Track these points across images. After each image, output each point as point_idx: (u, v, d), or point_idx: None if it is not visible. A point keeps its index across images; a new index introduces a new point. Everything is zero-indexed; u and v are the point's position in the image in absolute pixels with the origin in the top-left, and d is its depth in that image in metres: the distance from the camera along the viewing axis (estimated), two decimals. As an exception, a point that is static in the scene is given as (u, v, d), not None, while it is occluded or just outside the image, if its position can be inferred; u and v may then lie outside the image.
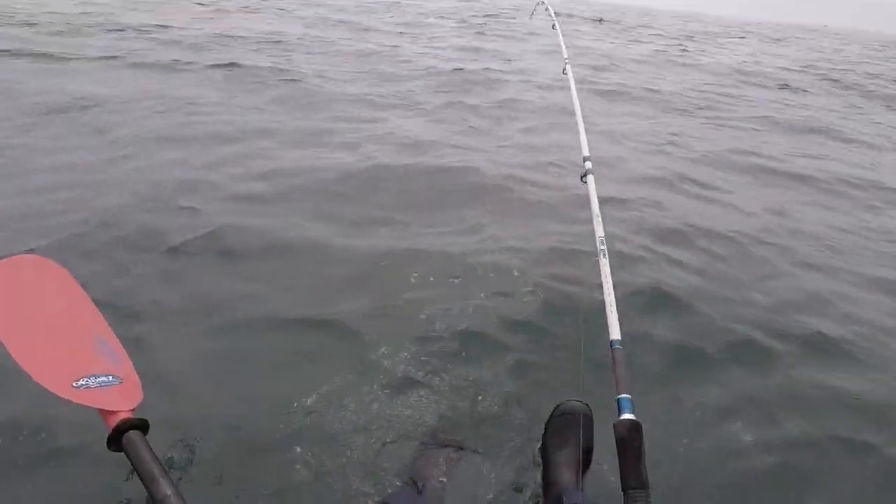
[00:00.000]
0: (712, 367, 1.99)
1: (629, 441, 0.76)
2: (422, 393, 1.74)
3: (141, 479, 1.03)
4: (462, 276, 2.37)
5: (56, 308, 1.38)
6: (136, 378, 1.27)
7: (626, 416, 0.81)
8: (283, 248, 2.53)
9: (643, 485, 0.70)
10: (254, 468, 1.45)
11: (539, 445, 1.45)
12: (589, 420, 1.38)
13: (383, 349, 1.90)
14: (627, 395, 0.83)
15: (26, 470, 1.44)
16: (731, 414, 1.80)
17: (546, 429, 1.43)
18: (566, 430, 1.39)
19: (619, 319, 0.94)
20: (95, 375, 1.22)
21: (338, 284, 2.28)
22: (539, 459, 1.44)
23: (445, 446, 1.55)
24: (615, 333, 0.90)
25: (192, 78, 5.45)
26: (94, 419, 1.18)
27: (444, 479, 1.47)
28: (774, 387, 1.97)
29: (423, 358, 1.89)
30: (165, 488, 0.99)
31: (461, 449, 1.55)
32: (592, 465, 1.36)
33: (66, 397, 1.14)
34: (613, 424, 0.78)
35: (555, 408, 1.43)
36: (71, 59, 5.75)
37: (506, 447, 1.59)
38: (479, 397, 1.75)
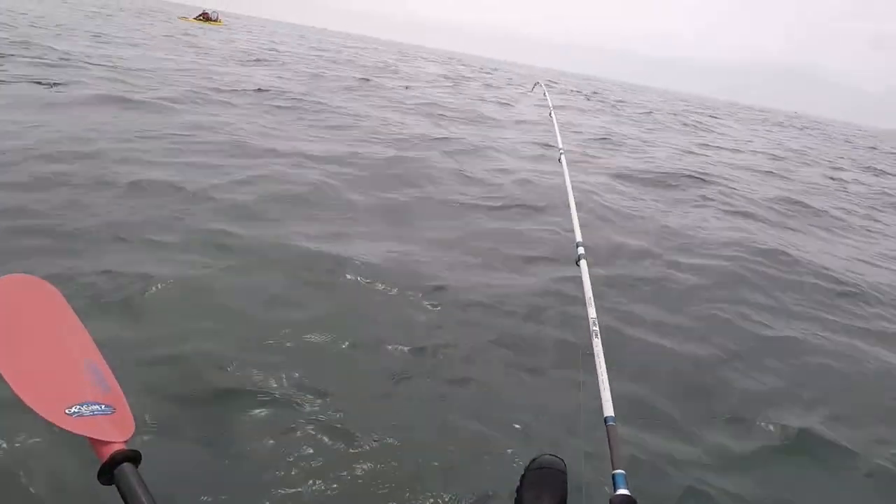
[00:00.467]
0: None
1: None
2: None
3: None
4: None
5: (47, 330, 1.32)
6: (127, 408, 1.21)
7: (621, 491, 0.84)
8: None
9: None
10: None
11: (515, 498, 1.43)
12: (563, 475, 1.39)
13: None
14: (622, 471, 0.87)
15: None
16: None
17: (521, 481, 1.43)
18: (542, 483, 1.41)
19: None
20: (88, 403, 1.17)
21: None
22: None
23: None
24: (609, 410, 0.95)
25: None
26: (82, 449, 1.10)
27: None
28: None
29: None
30: None
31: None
32: None
33: (60, 425, 1.09)
34: (609, 500, 0.81)
35: (530, 461, 1.46)
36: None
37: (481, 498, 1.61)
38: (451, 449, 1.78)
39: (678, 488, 1.82)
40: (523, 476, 1.46)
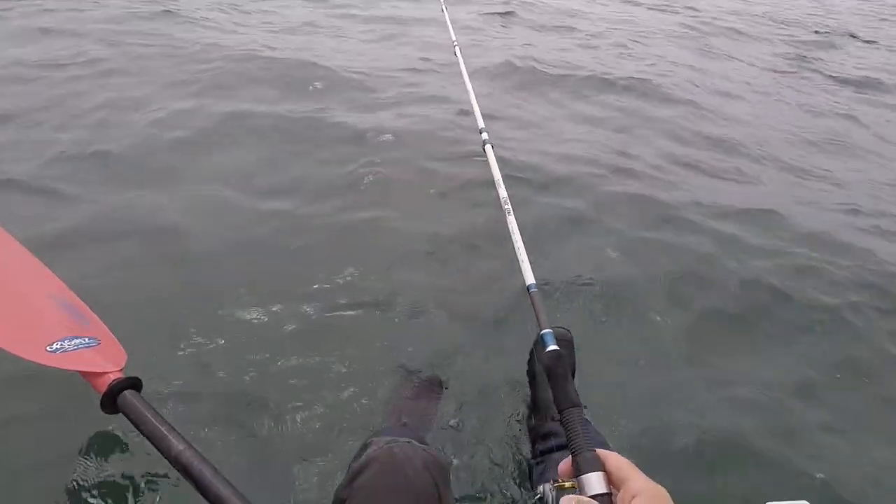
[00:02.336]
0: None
1: (555, 369, 0.83)
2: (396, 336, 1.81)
3: (148, 439, 0.98)
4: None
5: (8, 274, 1.24)
6: (113, 338, 1.20)
7: (551, 347, 0.88)
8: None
9: (574, 403, 0.76)
10: (247, 415, 1.47)
11: (527, 369, 1.58)
12: (571, 343, 1.54)
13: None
14: (549, 330, 0.91)
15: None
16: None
17: (531, 354, 1.57)
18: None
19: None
20: (69, 338, 1.13)
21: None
22: (527, 384, 1.58)
23: (425, 382, 1.63)
24: (529, 279, 0.98)
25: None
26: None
27: (430, 410, 1.52)
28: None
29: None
30: (178, 443, 0.96)
31: (441, 384, 1.64)
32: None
33: (45, 363, 1.06)
34: (538, 357, 0.85)
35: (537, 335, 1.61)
36: None
37: (489, 376, 1.70)
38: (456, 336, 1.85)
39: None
40: (532, 350, 1.56)
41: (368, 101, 3.79)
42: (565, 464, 0.67)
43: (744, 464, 1.57)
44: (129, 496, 1.22)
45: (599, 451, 0.65)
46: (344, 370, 1.65)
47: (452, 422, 1.53)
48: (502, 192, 1.24)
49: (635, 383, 1.78)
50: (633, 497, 0.55)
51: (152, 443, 0.98)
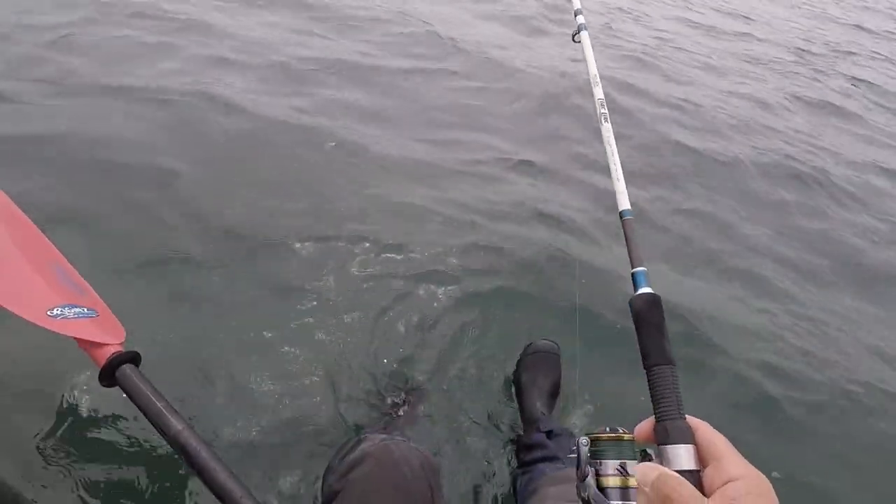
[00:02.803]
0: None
1: (648, 316, 0.68)
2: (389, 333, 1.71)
3: (146, 415, 0.97)
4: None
5: (8, 236, 1.22)
6: (110, 312, 1.18)
7: (643, 290, 0.72)
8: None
9: (669, 360, 0.61)
10: (236, 410, 1.40)
11: (513, 379, 1.60)
12: (557, 357, 1.58)
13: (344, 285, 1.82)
14: (642, 268, 0.74)
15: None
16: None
17: (518, 366, 1.60)
18: (537, 365, 1.56)
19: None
20: (70, 305, 1.11)
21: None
22: (513, 393, 1.58)
23: (413, 388, 1.58)
24: (624, 203, 0.80)
25: None
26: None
27: (415, 416, 1.49)
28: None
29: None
30: (176, 422, 0.95)
31: (425, 391, 1.58)
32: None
33: (45, 326, 1.04)
34: (629, 301, 0.70)
35: (526, 346, 1.61)
36: None
37: (480, 382, 1.65)
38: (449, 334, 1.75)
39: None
40: (519, 361, 1.60)
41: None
42: (644, 428, 0.55)
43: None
44: (124, 473, 1.19)
45: (690, 418, 0.53)
46: (343, 364, 1.57)
47: (437, 428, 1.48)
48: (598, 92, 1.02)
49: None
50: (728, 482, 0.45)
51: (150, 420, 0.96)
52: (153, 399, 0.98)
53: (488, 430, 1.52)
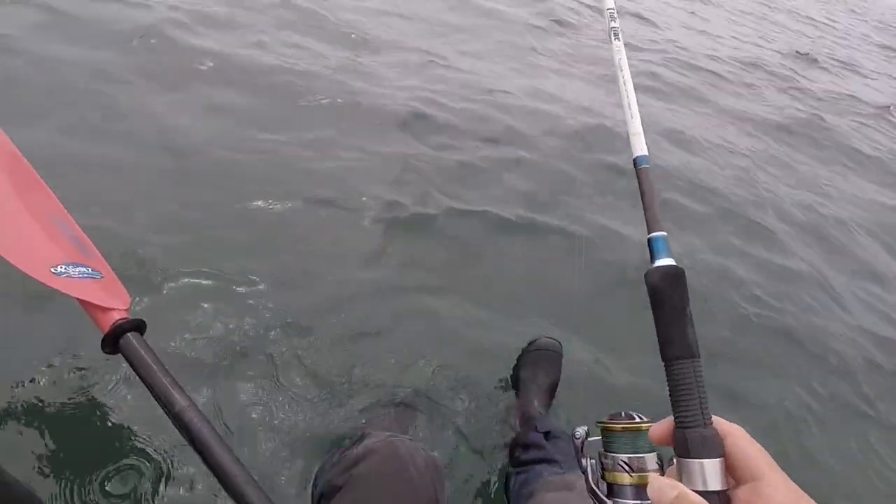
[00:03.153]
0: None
1: (669, 294, 0.54)
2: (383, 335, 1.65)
3: (149, 388, 0.92)
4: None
5: (12, 184, 1.13)
6: (114, 275, 1.11)
7: (663, 261, 0.57)
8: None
9: (692, 353, 0.48)
10: (242, 398, 1.36)
11: (511, 376, 1.56)
12: (559, 356, 1.54)
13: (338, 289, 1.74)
14: (662, 233, 0.59)
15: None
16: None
17: (518, 361, 1.55)
18: (538, 362, 1.52)
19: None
20: (74, 264, 1.03)
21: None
22: (511, 389, 1.54)
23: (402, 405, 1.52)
24: (640, 147, 0.62)
25: None
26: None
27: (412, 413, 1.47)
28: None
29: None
30: (181, 399, 0.90)
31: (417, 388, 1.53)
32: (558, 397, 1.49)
33: (49, 283, 0.98)
34: (645, 274, 0.54)
35: (528, 343, 1.57)
36: None
37: (478, 377, 1.60)
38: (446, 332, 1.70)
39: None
40: (520, 356, 1.55)
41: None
42: (661, 431, 0.46)
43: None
44: (123, 446, 1.15)
45: (720, 422, 0.44)
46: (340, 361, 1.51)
47: (436, 425, 1.45)
48: (608, 1, 0.82)
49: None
50: None
51: (153, 393, 0.90)
52: (157, 372, 0.92)
53: (483, 426, 1.49)
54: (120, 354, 0.97)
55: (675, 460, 0.45)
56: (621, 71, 0.66)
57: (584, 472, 0.51)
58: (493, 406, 1.54)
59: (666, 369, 0.49)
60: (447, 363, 1.61)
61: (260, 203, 1.92)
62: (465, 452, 1.41)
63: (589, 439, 0.53)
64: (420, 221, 2.10)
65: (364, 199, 2.08)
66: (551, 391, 1.49)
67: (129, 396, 1.23)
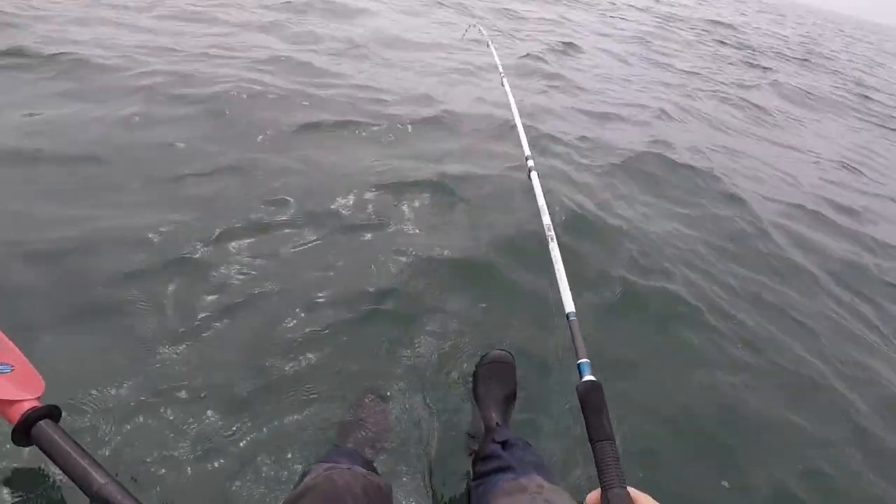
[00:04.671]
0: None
1: (591, 400, 0.81)
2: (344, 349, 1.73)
3: (65, 472, 0.91)
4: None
5: None
6: (29, 364, 1.11)
7: (587, 377, 0.86)
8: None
9: (609, 437, 0.74)
10: (175, 444, 1.35)
11: (471, 391, 1.62)
12: (511, 366, 1.61)
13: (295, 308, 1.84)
14: (586, 360, 0.89)
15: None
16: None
17: (474, 376, 1.63)
18: (491, 376, 1.57)
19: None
20: None
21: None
22: (471, 402, 1.60)
23: (372, 401, 1.59)
24: (570, 306, 0.96)
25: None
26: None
27: (377, 429, 1.49)
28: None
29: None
30: (98, 477, 0.89)
31: (382, 399, 1.60)
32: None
33: None
34: (576, 387, 0.83)
35: (481, 357, 1.65)
36: None
37: (437, 394, 1.66)
38: (408, 350, 1.79)
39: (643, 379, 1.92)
40: (475, 371, 1.64)
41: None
42: (593, 497, 0.66)
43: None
44: None
45: (632, 490, 0.64)
46: (296, 387, 1.58)
47: (397, 442, 1.50)
48: (546, 219, 1.24)
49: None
50: None
51: (70, 477, 0.91)
52: (73, 455, 0.92)
53: (446, 442, 1.52)
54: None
55: None
56: (555, 257, 1.04)
57: None
58: (454, 423, 1.57)
59: (592, 448, 0.72)
60: (404, 381, 1.65)
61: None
62: (430, 472, 1.42)
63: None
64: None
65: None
66: (508, 402, 1.53)
67: (52, 482, 1.19)
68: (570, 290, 0.99)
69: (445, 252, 2.28)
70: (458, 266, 2.21)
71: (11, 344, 1.14)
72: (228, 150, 2.75)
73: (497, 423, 1.43)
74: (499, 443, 1.29)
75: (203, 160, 2.60)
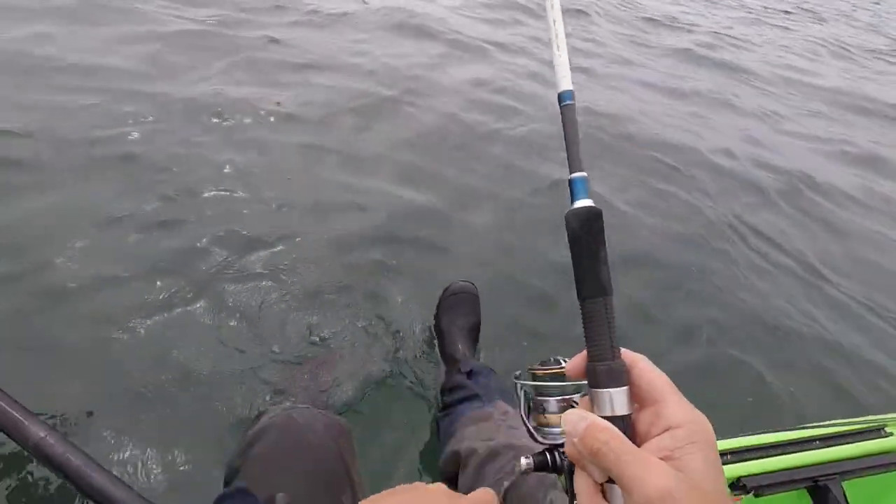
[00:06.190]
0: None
1: (585, 236, 0.49)
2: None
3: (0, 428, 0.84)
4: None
5: None
6: None
7: (582, 202, 0.53)
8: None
9: (604, 290, 0.49)
10: (127, 402, 1.29)
11: (433, 323, 1.58)
12: (476, 298, 1.57)
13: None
14: (582, 174, 0.54)
15: None
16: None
17: (438, 307, 1.58)
18: (457, 307, 1.53)
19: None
20: None
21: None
22: (434, 335, 1.57)
23: (328, 353, 1.52)
24: (565, 82, 0.58)
25: None
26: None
27: (333, 375, 1.43)
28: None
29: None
30: (37, 429, 0.82)
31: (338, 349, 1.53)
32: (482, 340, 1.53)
33: None
34: (565, 215, 0.49)
35: (444, 289, 1.59)
36: None
37: (398, 328, 1.61)
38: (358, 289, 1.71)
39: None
40: (438, 303, 1.57)
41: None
42: (576, 365, 0.48)
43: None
44: None
45: (626, 353, 0.47)
46: (238, 337, 1.50)
47: (356, 383, 1.43)
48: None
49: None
50: (669, 429, 0.40)
51: (4, 432, 0.84)
52: (6, 408, 0.85)
53: (410, 381, 1.48)
54: None
55: (588, 391, 0.48)
56: (551, 4, 0.62)
57: (522, 416, 0.56)
58: (417, 357, 1.54)
59: (581, 307, 0.49)
60: (361, 320, 1.60)
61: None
62: (397, 408, 1.41)
63: (521, 381, 0.57)
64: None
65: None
66: (474, 333, 1.50)
67: None
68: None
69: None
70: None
71: None
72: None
73: (464, 354, 1.41)
74: (464, 373, 1.28)
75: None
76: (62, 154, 1.97)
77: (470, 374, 1.28)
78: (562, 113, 0.57)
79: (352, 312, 1.63)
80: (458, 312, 1.52)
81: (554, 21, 0.65)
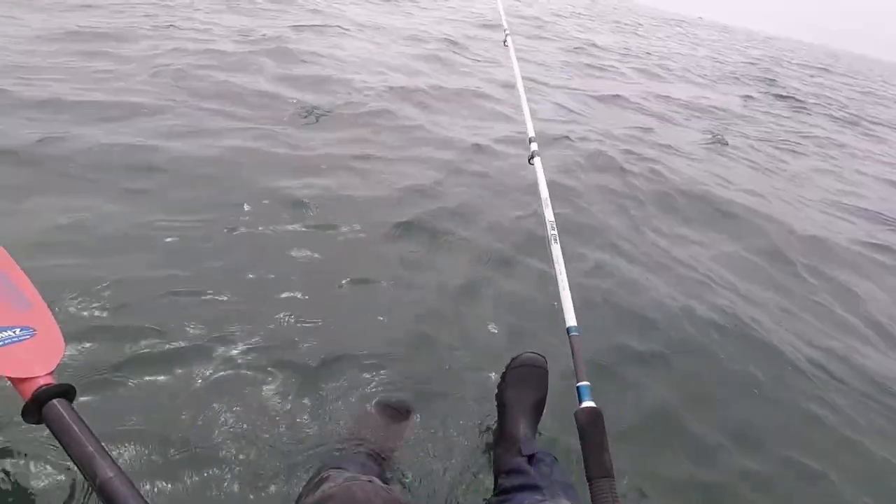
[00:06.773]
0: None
1: (590, 429, 0.75)
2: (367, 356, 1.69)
3: (72, 458, 0.86)
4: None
5: None
6: (54, 327, 1.03)
7: (587, 403, 0.79)
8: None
9: (608, 473, 0.68)
10: (187, 439, 1.34)
11: (496, 394, 1.52)
12: (545, 372, 1.48)
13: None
14: (586, 383, 0.82)
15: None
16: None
17: (503, 379, 1.50)
18: (524, 380, 1.46)
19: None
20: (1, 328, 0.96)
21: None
22: (495, 409, 1.51)
23: (390, 407, 1.55)
24: (571, 320, 0.89)
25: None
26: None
27: (392, 438, 1.44)
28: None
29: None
30: (106, 469, 0.83)
31: (408, 410, 1.55)
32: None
33: None
34: (574, 413, 0.77)
35: (512, 359, 1.51)
36: None
37: (459, 400, 1.61)
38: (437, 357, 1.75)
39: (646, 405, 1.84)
40: (504, 374, 1.50)
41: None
42: None
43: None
44: None
45: None
46: (302, 382, 1.56)
47: (415, 449, 1.44)
48: (549, 214, 1.14)
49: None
50: None
51: (76, 464, 0.85)
52: (83, 440, 0.86)
53: (467, 452, 1.47)
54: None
55: None
56: (558, 265, 0.95)
57: None
58: (478, 430, 1.51)
59: (589, 486, 0.66)
60: (427, 387, 1.61)
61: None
62: (447, 483, 1.37)
63: None
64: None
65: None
66: (537, 410, 1.43)
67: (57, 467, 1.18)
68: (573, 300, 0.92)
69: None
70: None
71: (40, 298, 1.06)
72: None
73: (525, 435, 1.33)
74: (525, 456, 1.21)
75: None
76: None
77: (531, 459, 1.19)
78: (570, 341, 0.88)
79: (416, 375, 1.65)
80: (524, 387, 1.43)
81: (559, 266, 0.99)
